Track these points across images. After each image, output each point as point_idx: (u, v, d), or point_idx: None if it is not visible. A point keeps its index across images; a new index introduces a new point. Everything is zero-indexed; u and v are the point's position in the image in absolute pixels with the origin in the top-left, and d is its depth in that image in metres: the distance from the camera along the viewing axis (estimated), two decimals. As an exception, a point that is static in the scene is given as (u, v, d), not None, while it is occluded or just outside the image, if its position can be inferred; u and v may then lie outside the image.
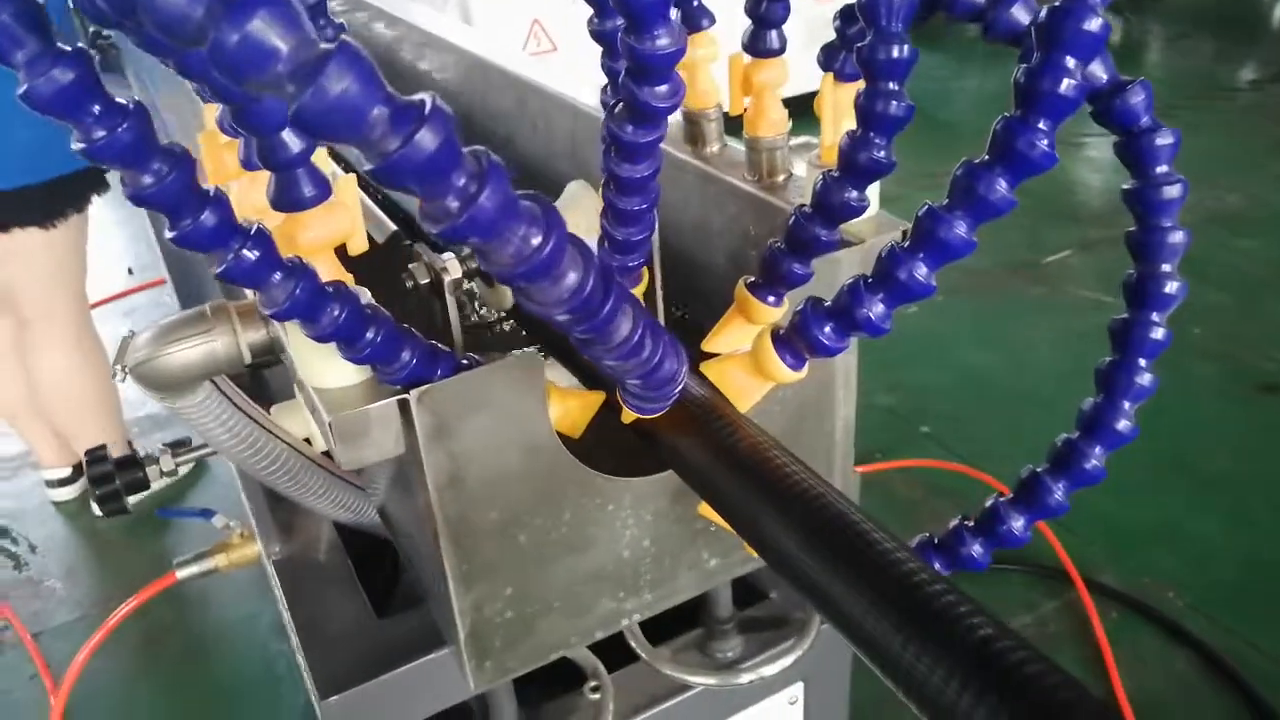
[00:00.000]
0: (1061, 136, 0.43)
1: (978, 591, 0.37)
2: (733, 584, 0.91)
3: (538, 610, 0.62)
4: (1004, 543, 0.53)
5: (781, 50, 0.66)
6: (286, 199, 0.48)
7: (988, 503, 0.53)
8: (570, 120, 0.92)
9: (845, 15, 0.55)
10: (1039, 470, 0.52)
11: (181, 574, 1.16)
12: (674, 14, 0.44)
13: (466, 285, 0.69)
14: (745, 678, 0.88)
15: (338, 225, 0.50)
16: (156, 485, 2.38)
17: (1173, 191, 0.48)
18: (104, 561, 2.37)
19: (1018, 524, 0.52)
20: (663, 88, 0.47)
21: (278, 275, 0.44)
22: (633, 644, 0.88)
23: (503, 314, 0.79)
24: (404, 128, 0.28)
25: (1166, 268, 0.50)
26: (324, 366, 0.52)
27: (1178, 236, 0.49)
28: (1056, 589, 1.99)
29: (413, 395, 0.51)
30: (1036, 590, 2.00)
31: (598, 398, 0.59)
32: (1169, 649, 1.87)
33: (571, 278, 0.33)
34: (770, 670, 0.89)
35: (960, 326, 2.88)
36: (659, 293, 0.73)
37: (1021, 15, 0.46)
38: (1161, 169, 0.48)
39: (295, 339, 0.51)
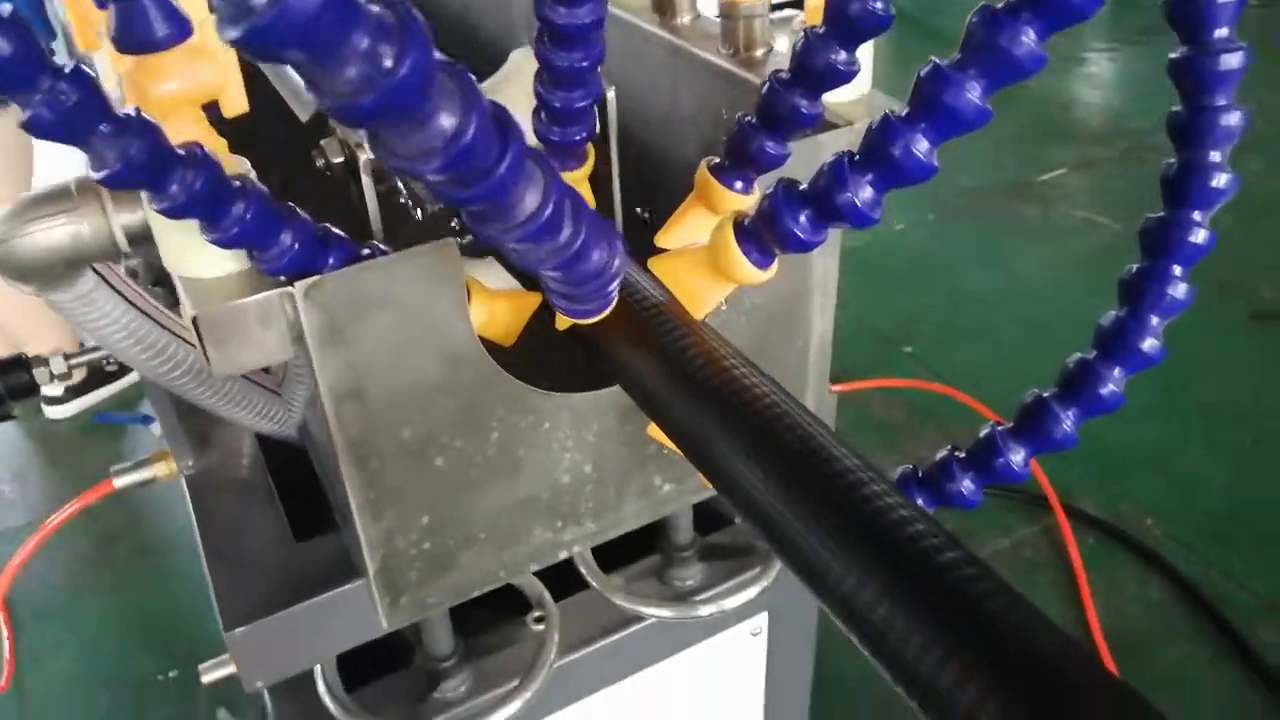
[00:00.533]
0: (1061, 52, 0.34)
1: (951, 513, 0.30)
2: (694, 507, 0.84)
3: (460, 542, 0.54)
4: (1000, 478, 0.45)
5: (763, -108, 0.56)
6: (130, 37, 0.38)
7: (983, 432, 0.45)
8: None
9: None
10: (1046, 395, 0.44)
11: (119, 482, 1.08)
12: None
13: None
14: (705, 610, 0.81)
15: (201, 76, 0.41)
16: (110, 389, 2.30)
17: (1232, 61, 0.39)
18: (56, 466, 2.30)
19: (1017, 457, 0.44)
20: (605, -96, 0.37)
21: (105, 127, 0.34)
22: (583, 570, 0.81)
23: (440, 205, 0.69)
24: None
25: (1216, 156, 0.41)
26: (191, 251, 0.42)
27: (1233, 118, 0.40)
28: (1034, 514, 1.95)
29: (298, 288, 0.42)
30: (1014, 514, 1.96)
31: (533, 300, 0.50)
32: (1145, 578, 1.83)
33: (445, 120, 0.24)
34: (732, 602, 0.82)
35: (949, 246, 2.79)
36: (616, 189, 0.64)
37: None
38: (1221, 32, 0.39)
39: (154, 216, 0.42)
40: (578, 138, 0.47)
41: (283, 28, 0.20)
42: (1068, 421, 0.43)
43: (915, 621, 0.29)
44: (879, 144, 0.36)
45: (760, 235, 0.39)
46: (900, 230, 2.83)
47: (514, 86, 0.60)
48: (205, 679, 0.76)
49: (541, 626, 0.78)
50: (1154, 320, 0.42)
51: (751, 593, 0.83)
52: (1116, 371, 0.43)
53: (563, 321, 0.46)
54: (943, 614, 0.29)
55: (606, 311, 0.42)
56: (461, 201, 0.27)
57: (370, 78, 0.22)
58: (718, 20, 0.64)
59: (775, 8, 0.65)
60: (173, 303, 0.68)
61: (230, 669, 0.83)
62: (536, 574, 0.78)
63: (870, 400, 2.20)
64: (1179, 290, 0.42)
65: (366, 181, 0.55)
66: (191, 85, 0.40)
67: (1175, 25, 0.40)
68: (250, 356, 0.43)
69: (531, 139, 0.51)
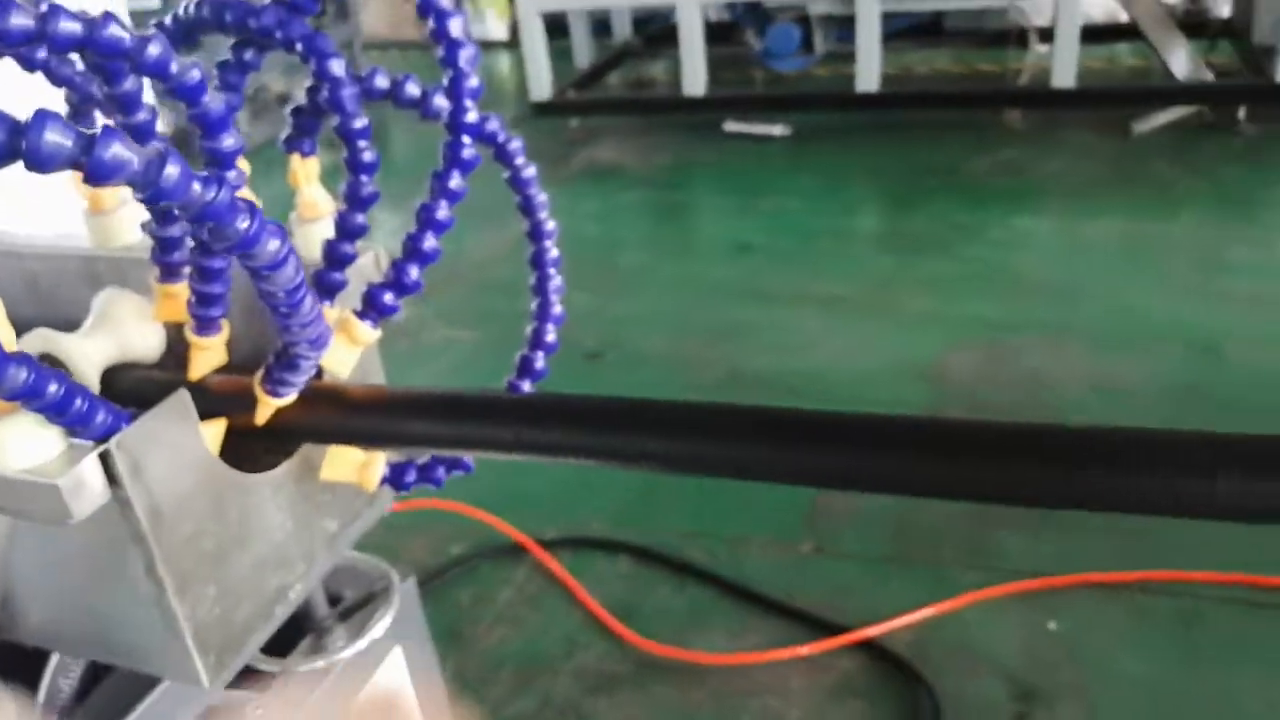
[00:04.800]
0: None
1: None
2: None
3: (233, 601, 0.78)
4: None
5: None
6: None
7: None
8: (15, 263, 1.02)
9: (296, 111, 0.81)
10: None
11: None
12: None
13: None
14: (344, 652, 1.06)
15: None
16: None
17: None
18: None
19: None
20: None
21: None
22: (263, 668, 1.03)
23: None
24: None
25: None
26: (17, 447, 0.64)
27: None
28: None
29: (113, 444, 0.67)
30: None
31: (222, 422, 0.78)
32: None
33: (274, 244, 0.56)
34: (364, 642, 1.08)
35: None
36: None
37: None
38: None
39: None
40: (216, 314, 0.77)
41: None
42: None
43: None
44: (398, 272, 0.73)
45: (370, 314, 0.75)
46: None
47: (110, 325, 0.85)
48: None
49: (260, 711, 0.99)
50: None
51: (379, 631, 1.11)
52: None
53: (263, 414, 0.75)
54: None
55: (302, 388, 0.73)
56: (265, 286, 0.58)
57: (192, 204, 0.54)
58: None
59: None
60: None
61: None
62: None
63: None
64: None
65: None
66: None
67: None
68: (88, 504, 0.66)
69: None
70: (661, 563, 2.40)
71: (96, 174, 0.47)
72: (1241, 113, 4.77)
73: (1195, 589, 2.13)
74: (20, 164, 0.48)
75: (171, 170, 0.49)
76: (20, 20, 0.54)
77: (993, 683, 1.98)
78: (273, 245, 0.55)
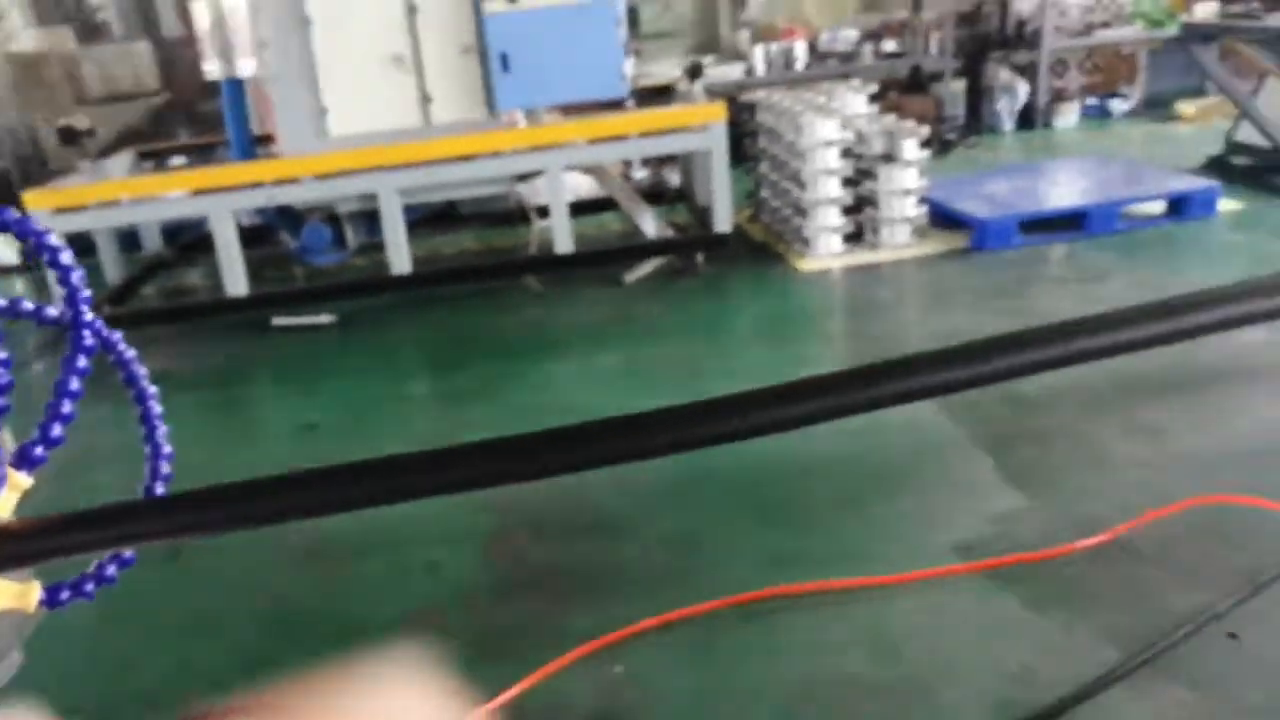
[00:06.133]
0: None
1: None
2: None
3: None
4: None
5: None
6: None
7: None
8: None
9: None
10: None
11: None
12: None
13: None
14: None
15: None
16: None
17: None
18: None
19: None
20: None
21: None
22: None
23: None
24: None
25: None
26: None
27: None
28: None
29: None
30: None
31: None
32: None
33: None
34: None
35: None
36: None
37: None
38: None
39: None
40: None
41: None
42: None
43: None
44: (24, 453, 1.05)
45: (21, 465, 1.04)
46: None
47: None
48: None
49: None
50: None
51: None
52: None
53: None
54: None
55: (-24, 525, 1.00)
56: None
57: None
58: None
59: None
60: None
61: None
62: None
63: None
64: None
65: None
66: None
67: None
68: None
69: None
70: None
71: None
72: (699, 258, 6.02)
73: (711, 615, 2.77)
74: None
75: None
76: None
77: (576, 723, 2.43)
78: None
